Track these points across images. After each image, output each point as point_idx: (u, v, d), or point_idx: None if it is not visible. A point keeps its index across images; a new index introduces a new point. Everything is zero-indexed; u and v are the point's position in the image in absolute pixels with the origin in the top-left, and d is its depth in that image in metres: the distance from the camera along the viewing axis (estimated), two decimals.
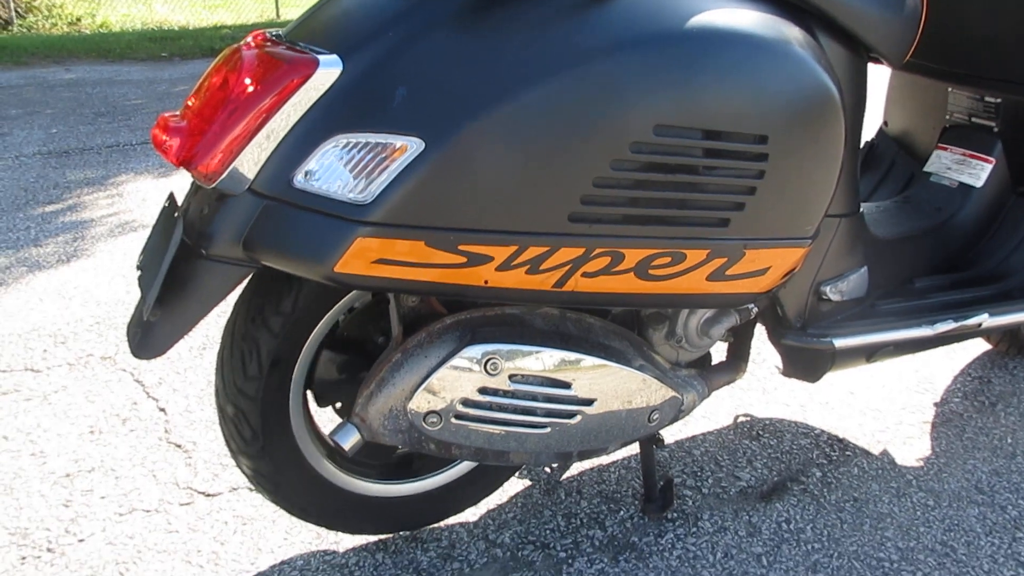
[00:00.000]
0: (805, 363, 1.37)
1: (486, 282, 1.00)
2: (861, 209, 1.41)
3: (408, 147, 0.94)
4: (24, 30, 7.78)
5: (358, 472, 1.30)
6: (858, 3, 1.21)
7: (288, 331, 1.12)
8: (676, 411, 1.25)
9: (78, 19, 8.48)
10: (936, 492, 1.56)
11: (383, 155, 0.94)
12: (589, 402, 1.14)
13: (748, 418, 1.79)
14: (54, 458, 1.61)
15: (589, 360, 1.12)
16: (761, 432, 1.74)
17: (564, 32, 0.97)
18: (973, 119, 1.68)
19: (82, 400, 1.81)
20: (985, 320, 1.44)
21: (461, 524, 1.45)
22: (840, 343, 1.32)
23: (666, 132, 1.00)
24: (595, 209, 1.00)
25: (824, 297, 1.34)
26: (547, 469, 1.59)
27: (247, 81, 0.98)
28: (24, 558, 1.35)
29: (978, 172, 1.66)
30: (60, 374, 1.91)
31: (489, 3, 0.99)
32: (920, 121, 1.79)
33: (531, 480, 1.56)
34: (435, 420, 1.08)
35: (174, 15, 8.90)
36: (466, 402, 1.09)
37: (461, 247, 0.97)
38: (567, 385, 1.12)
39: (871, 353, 1.39)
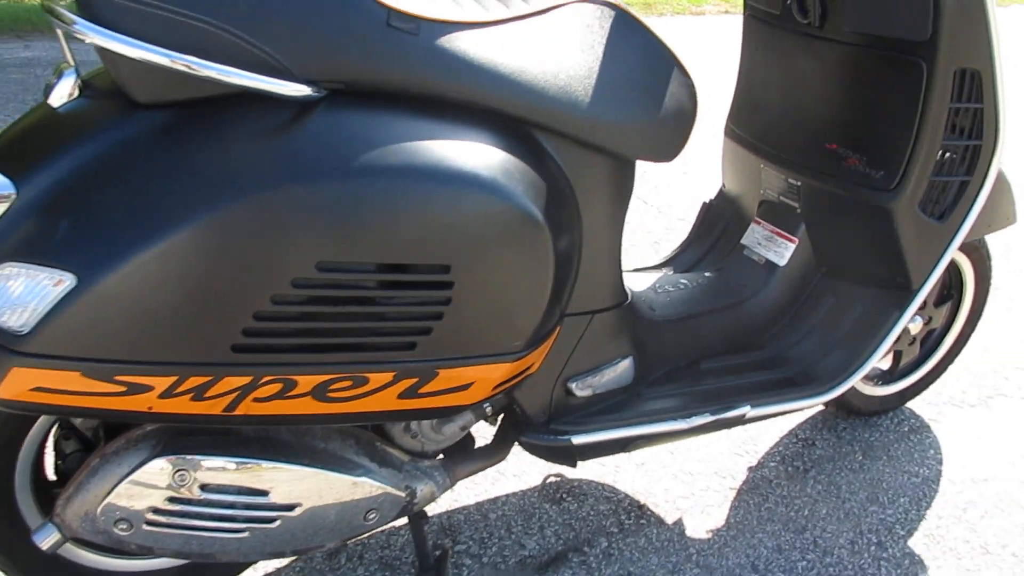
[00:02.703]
0: (554, 455, 1.39)
1: (150, 408, 1.02)
2: (630, 298, 1.42)
3: (64, 281, 0.96)
4: None
5: (107, 551, 1.33)
6: (600, 116, 1.18)
7: None
8: (405, 505, 1.28)
9: None
10: (711, 569, 1.58)
11: (41, 287, 0.96)
12: (291, 507, 1.17)
13: (558, 478, 1.81)
14: None
15: (289, 468, 1.15)
16: (566, 495, 1.77)
17: (222, 169, 0.98)
18: (781, 197, 1.68)
19: None
20: (748, 412, 1.46)
21: None
22: (579, 440, 1.34)
23: (331, 267, 1.01)
24: (259, 340, 1.02)
25: (572, 393, 1.36)
26: None
27: None
28: None
29: (783, 251, 1.66)
30: None
31: (159, 136, 1.00)
32: (744, 191, 1.79)
33: None
34: (125, 526, 1.12)
35: None
36: (156, 511, 1.12)
37: (118, 377, 0.99)
38: (264, 493, 1.15)
39: (625, 444, 1.41)
